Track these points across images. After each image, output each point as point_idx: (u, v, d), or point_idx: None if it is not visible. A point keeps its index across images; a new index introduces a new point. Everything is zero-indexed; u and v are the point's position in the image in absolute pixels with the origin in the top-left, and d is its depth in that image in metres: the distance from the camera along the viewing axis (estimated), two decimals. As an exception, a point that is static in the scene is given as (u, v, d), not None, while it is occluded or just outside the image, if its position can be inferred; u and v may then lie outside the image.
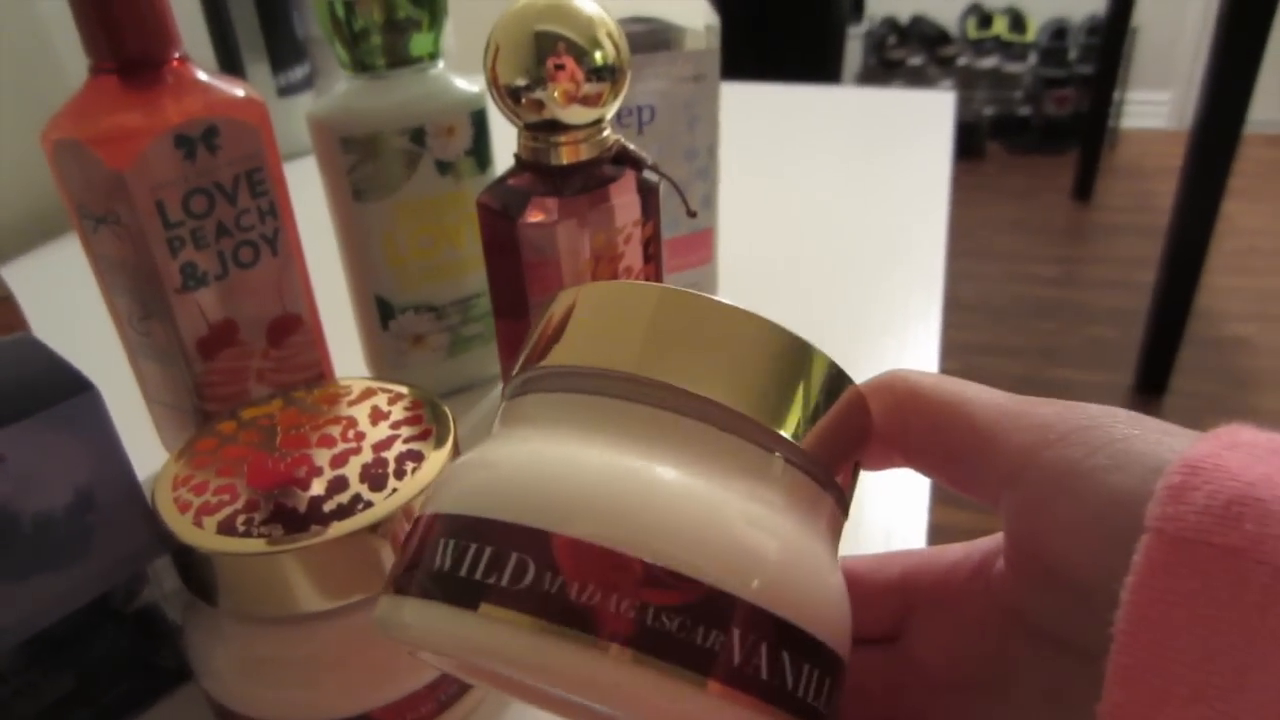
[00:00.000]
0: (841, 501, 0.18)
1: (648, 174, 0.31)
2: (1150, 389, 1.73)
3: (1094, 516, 0.15)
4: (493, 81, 0.28)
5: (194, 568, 0.24)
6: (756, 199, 0.65)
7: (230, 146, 0.33)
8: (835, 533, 0.18)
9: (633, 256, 0.31)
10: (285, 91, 0.72)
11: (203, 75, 0.33)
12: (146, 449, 0.38)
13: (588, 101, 0.28)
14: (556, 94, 0.27)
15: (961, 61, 2.85)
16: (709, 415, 0.16)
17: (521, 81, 0.27)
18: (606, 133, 0.29)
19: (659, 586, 0.14)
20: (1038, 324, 2.02)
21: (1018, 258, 2.29)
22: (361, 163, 0.36)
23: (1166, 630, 0.13)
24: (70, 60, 0.65)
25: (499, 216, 0.29)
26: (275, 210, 0.35)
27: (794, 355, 0.17)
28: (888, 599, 0.20)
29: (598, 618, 0.13)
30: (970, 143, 2.76)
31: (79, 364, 0.29)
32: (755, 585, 0.14)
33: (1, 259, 0.60)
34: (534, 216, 0.28)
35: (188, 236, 0.33)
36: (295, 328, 0.37)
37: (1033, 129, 2.83)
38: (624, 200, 0.30)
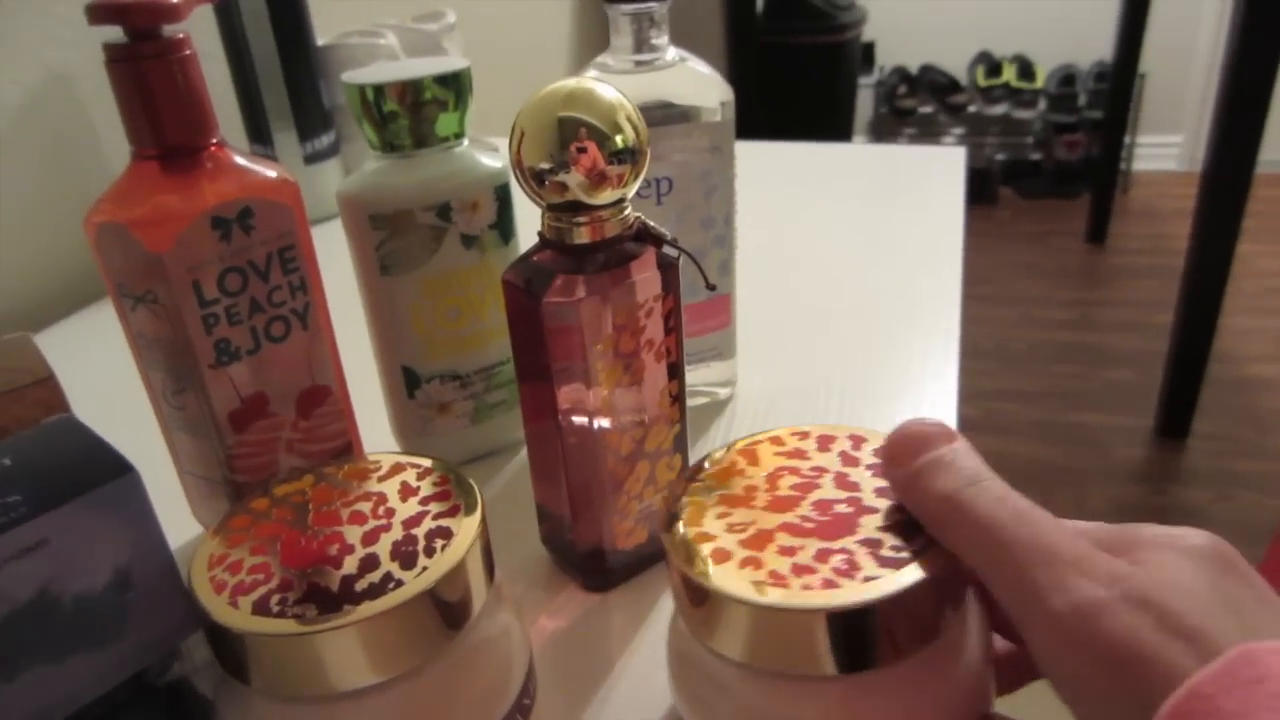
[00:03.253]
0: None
1: (667, 249, 0.31)
2: (1172, 432, 1.72)
3: None
4: (517, 164, 0.29)
5: (227, 647, 0.24)
6: (772, 256, 0.66)
7: (264, 226, 0.34)
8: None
9: (654, 329, 0.32)
10: (312, 159, 0.74)
11: (239, 159, 0.34)
12: (178, 517, 0.38)
13: (609, 183, 0.29)
14: (579, 177, 0.28)
15: (972, 109, 2.88)
16: None
17: (545, 165, 0.28)
18: (628, 211, 0.30)
19: None
20: (1056, 368, 2.02)
21: (1033, 302, 2.29)
22: (389, 239, 0.37)
23: None
24: (108, 139, 0.68)
25: (523, 294, 0.30)
26: (306, 285, 0.36)
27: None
28: None
29: None
30: (982, 189, 2.78)
31: (111, 432, 0.29)
32: None
33: (39, 328, 0.62)
34: (558, 295, 0.29)
35: (222, 314, 0.34)
36: (324, 399, 0.38)
37: (1044, 173, 2.85)
38: (645, 276, 0.31)
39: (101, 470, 0.24)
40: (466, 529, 0.26)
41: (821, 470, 0.26)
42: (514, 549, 0.37)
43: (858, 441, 0.28)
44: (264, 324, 0.35)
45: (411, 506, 0.27)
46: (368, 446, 0.40)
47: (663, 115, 0.38)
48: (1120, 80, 2.38)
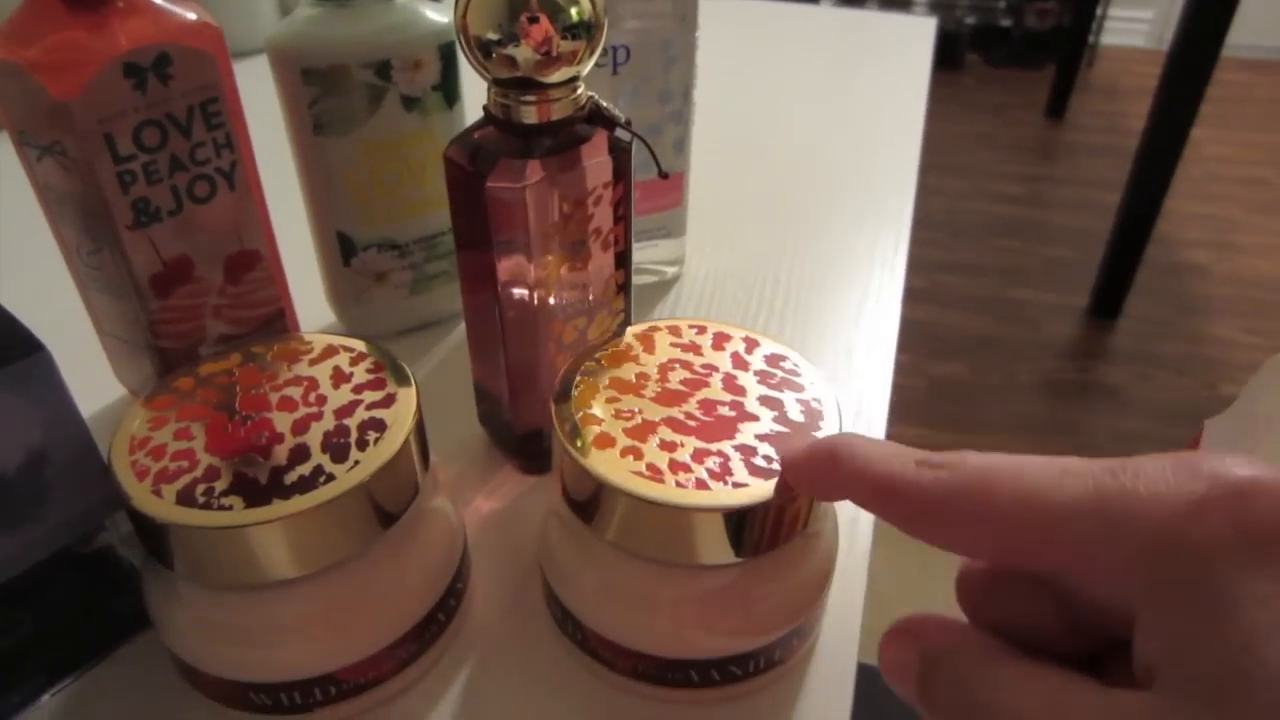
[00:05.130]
0: None
1: (620, 133, 0.30)
2: (1104, 312, 1.77)
3: None
4: (462, 31, 0.27)
5: (151, 535, 0.24)
6: (727, 128, 0.64)
7: (184, 76, 0.31)
8: None
9: (602, 217, 0.30)
10: (242, -19, 0.68)
11: (154, -2, 0.31)
12: (98, 377, 0.37)
13: (562, 60, 0.27)
14: (529, 51, 0.26)
15: (948, -35, 2.77)
16: None
17: (493, 35, 0.26)
18: (580, 90, 0.28)
19: None
20: (1001, 242, 2.04)
21: (987, 175, 2.29)
22: (323, 96, 0.35)
23: None
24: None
25: (466, 174, 0.29)
26: (232, 143, 0.33)
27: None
28: None
29: None
30: (949, 54, 2.71)
31: (18, 284, 0.27)
32: None
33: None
34: (502, 179, 0.28)
35: (139, 171, 0.31)
36: (254, 264, 0.36)
37: (1013, 41, 2.79)
38: (596, 162, 0.29)
39: (9, 348, 0.23)
40: (400, 421, 0.26)
41: (712, 369, 0.27)
42: (451, 427, 0.37)
43: (751, 345, 0.29)
44: (186, 183, 0.33)
45: (344, 394, 0.27)
46: (301, 314, 0.39)
47: (624, -23, 0.35)
48: (1101, -54, 2.30)
